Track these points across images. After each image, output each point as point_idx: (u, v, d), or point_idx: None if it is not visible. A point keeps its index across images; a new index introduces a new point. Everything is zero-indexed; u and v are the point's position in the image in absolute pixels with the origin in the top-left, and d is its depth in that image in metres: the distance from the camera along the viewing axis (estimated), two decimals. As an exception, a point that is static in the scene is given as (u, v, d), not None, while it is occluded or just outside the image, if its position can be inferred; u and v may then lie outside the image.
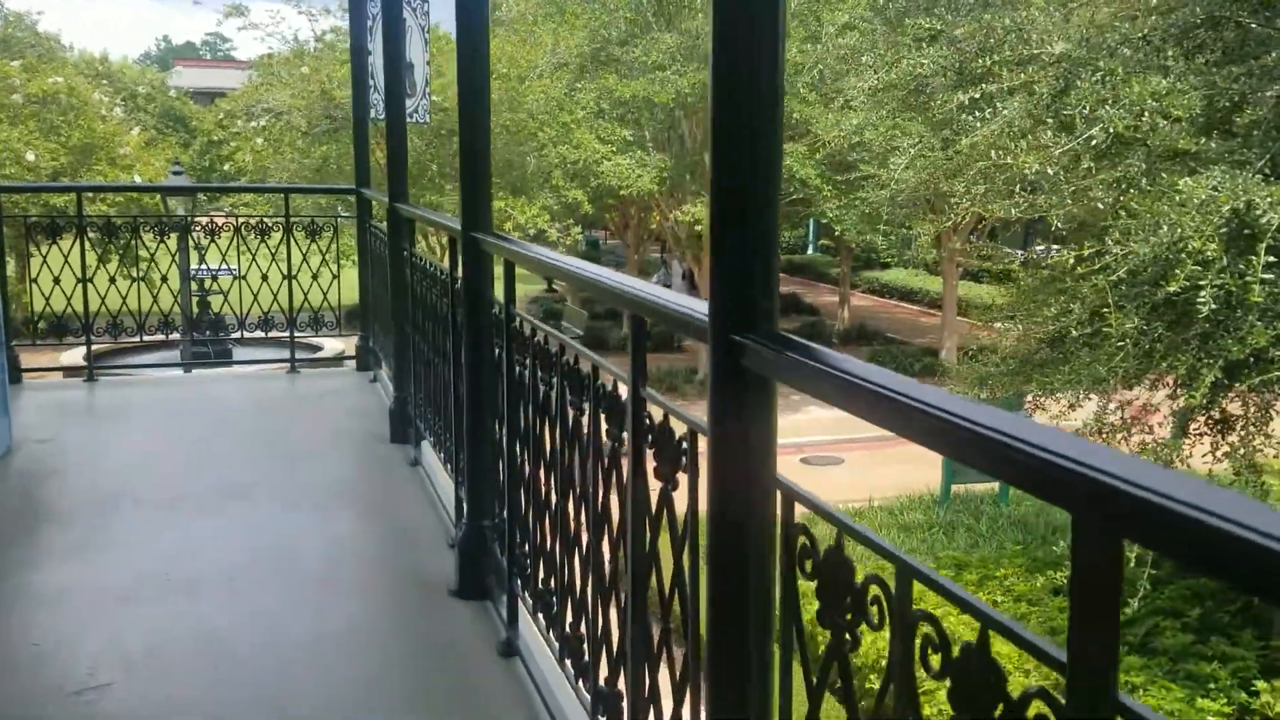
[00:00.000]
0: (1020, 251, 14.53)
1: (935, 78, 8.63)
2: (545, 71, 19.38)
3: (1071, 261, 6.63)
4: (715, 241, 1.58)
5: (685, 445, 1.87)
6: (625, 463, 2.16)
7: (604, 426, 2.31)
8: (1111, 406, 7.82)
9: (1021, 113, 7.79)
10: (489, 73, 3.56)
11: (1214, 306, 6.14)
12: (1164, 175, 7.33)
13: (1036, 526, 12.40)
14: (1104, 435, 7.85)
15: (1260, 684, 7.57)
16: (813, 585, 1.41)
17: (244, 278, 7.53)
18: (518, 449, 3.16)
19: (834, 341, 23.79)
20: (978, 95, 7.79)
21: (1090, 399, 8.35)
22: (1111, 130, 7.07)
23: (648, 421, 2.04)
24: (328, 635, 3.43)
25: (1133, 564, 7.37)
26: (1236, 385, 7.13)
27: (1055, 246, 16.74)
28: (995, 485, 13.20)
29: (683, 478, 1.90)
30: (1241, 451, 7.26)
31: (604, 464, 2.35)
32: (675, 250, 23.04)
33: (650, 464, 2.02)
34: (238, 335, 7.79)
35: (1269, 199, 6.21)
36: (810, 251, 36.29)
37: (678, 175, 19.23)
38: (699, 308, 1.72)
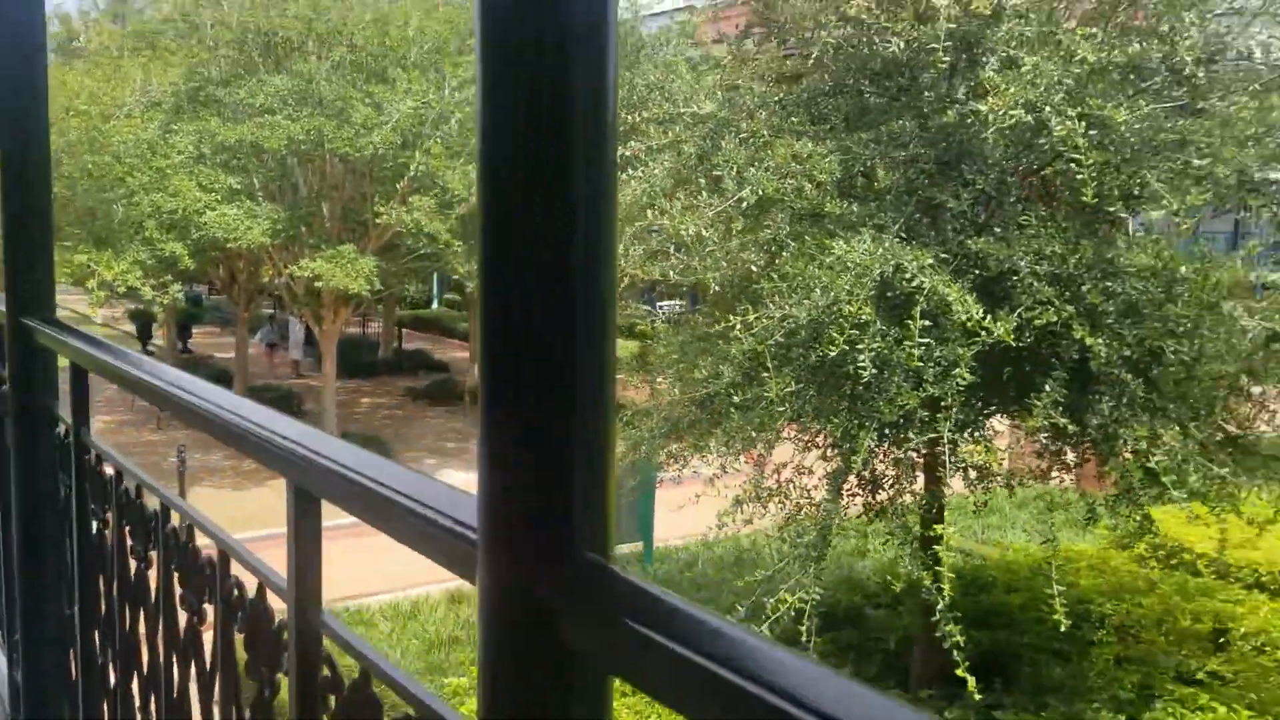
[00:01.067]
0: (661, 307, 14.64)
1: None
2: (134, 110, 17.29)
3: (739, 326, 6.40)
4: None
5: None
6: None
7: (242, 656, 1.43)
8: (768, 470, 7.72)
9: (670, 172, 7.55)
10: (47, 89, 2.54)
11: (874, 370, 6.10)
12: (808, 238, 7.34)
13: (681, 584, 12.27)
14: (762, 500, 7.72)
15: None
16: None
17: None
18: (97, 641, 2.15)
19: (465, 399, 23.12)
20: (626, 153, 7.47)
21: (744, 462, 8.23)
22: (761, 192, 6.96)
23: (327, 670, 1.21)
24: None
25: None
26: (885, 446, 7.22)
27: (676, 302, 17.11)
28: (640, 545, 13.01)
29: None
30: (890, 510, 7.38)
31: (242, 713, 1.46)
32: (292, 307, 21.40)
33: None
34: None
35: (915, 263, 6.30)
36: (435, 306, 35.79)
37: (293, 227, 17.78)
38: (459, 509, 0.94)
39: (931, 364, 6.34)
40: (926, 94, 7.90)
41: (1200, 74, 6.55)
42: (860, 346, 6.12)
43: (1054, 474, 8.01)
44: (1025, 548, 11.80)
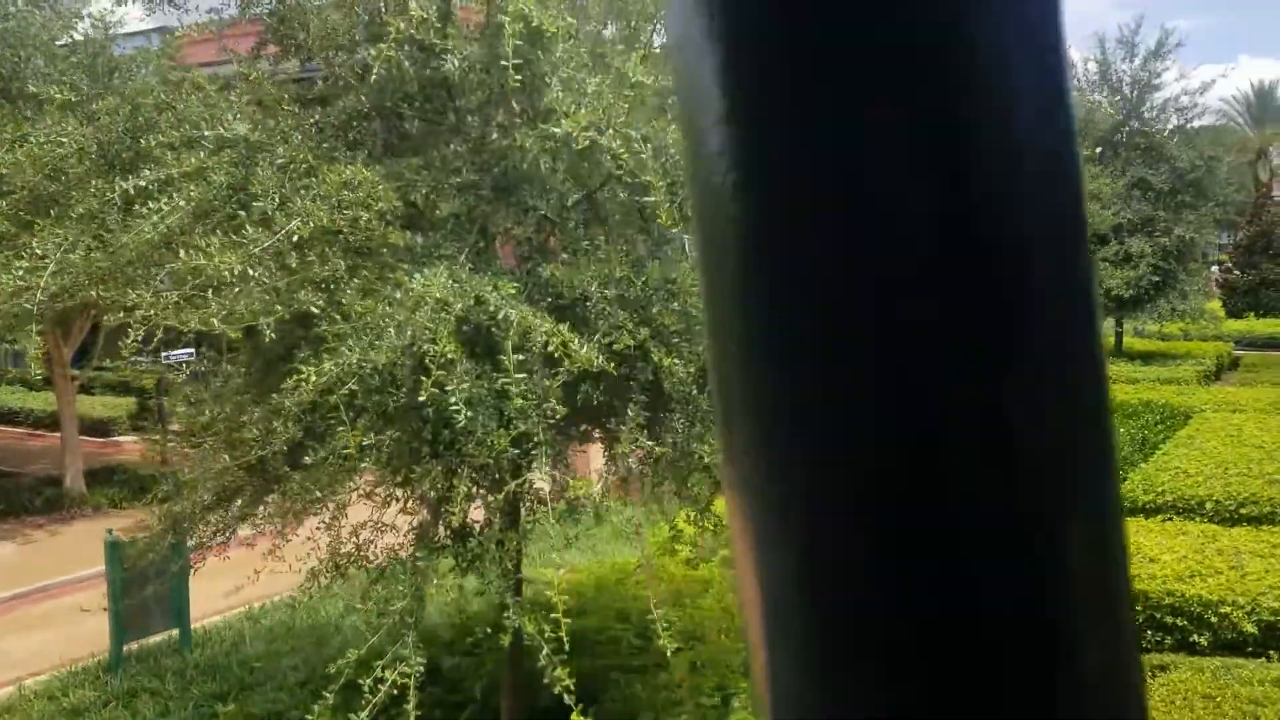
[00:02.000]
0: (169, 357, 12.94)
1: (71, 160, 6.88)
2: None
3: (311, 375, 5.58)
4: None
5: None
6: None
7: None
8: (345, 534, 6.92)
9: (197, 204, 6.50)
10: None
11: (469, 414, 5.61)
12: (366, 272, 6.70)
13: (230, 668, 10.93)
14: (339, 566, 6.93)
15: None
16: None
17: None
18: None
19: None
20: (143, 184, 6.30)
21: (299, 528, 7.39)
22: (313, 223, 6.18)
23: None
24: None
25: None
26: (479, 490, 6.75)
27: (185, 351, 15.38)
28: (175, 632, 11.42)
29: None
30: (485, 556, 6.90)
31: None
32: None
33: None
34: None
35: (497, 293, 5.90)
36: None
37: None
38: None
39: (520, 399, 5.99)
40: (470, 118, 7.60)
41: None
42: (450, 388, 5.61)
43: (634, 494, 8.05)
44: (588, 567, 11.91)
